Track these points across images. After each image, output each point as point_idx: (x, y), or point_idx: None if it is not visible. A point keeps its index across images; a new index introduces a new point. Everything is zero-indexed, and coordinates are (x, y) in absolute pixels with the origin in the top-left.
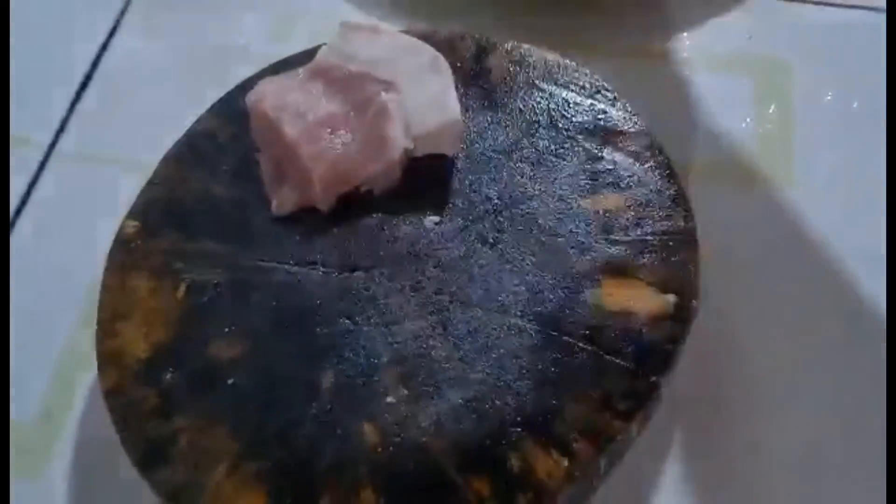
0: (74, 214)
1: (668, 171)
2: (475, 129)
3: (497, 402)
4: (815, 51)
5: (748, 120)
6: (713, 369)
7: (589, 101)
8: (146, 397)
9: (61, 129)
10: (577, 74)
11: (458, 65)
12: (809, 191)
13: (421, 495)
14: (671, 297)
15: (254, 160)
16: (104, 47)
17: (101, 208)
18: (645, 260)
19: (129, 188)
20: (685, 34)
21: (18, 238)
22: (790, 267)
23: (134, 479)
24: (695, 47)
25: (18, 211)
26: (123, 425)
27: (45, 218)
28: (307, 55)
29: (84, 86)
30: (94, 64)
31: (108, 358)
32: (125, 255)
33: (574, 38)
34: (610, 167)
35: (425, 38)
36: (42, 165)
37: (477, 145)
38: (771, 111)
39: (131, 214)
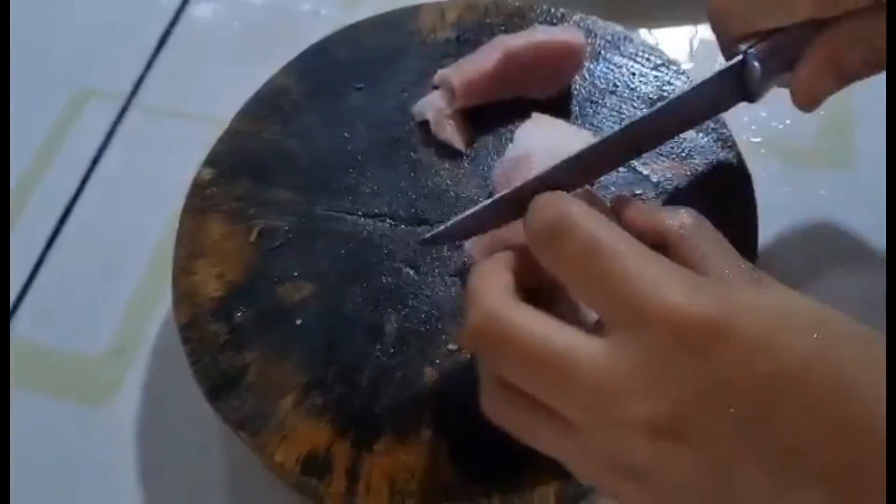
0: (150, 162)
1: (729, 144)
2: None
3: None
4: None
5: None
6: None
7: (653, 73)
8: (218, 332)
9: (140, 82)
10: (642, 47)
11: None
12: (867, 173)
13: (478, 439)
14: None
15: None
16: (183, 6)
17: (176, 157)
18: None
19: (203, 140)
20: None
21: (96, 182)
22: (845, 247)
23: (202, 409)
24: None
25: (97, 157)
26: (196, 357)
27: (123, 164)
28: (376, 20)
29: (162, 42)
30: (173, 22)
31: (183, 294)
32: (201, 199)
33: (641, 17)
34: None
35: (497, 6)
36: (121, 115)
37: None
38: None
39: (208, 162)
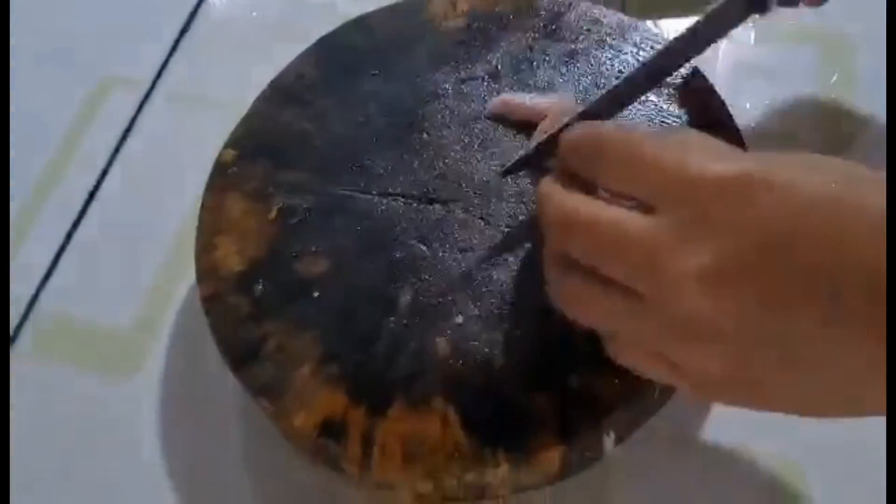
0: (173, 146)
1: (733, 131)
2: (548, 83)
3: (559, 325)
4: (879, 27)
5: (809, 89)
6: None
7: None
8: (240, 305)
9: (162, 69)
10: (648, 35)
11: (536, 19)
12: (867, 157)
13: (486, 406)
14: None
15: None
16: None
17: (198, 141)
18: None
19: (223, 125)
20: None
21: (121, 164)
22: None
23: (223, 382)
24: (762, 21)
25: (121, 140)
26: (219, 329)
27: (146, 147)
28: (390, 10)
29: (184, 31)
30: (194, 11)
31: (206, 269)
32: (223, 179)
33: (646, 8)
34: (676, 123)
35: None
36: (144, 101)
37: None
38: (833, 81)
39: (230, 143)
